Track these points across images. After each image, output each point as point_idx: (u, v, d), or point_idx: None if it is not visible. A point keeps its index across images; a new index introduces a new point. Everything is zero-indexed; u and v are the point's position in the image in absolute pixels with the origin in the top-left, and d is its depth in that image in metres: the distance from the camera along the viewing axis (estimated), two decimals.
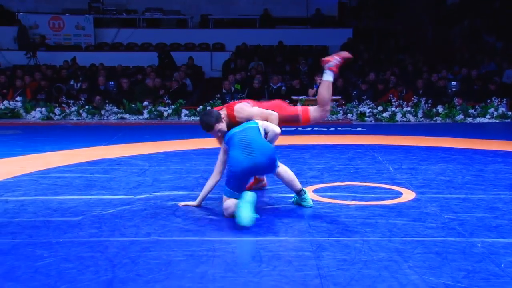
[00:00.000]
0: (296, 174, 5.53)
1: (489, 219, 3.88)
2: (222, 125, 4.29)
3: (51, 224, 3.84)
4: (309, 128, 10.19)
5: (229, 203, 3.98)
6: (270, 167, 4.13)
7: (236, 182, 4.01)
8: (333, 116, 11.75)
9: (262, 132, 4.20)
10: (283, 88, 13.50)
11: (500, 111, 11.51)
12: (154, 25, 19.53)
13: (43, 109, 12.23)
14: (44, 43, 17.61)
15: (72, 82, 14.03)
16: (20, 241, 3.47)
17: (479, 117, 11.47)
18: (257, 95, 13.03)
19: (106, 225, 3.81)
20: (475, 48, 15.77)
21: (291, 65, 15.69)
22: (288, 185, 4.31)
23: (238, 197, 3.90)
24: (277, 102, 4.82)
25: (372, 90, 12.75)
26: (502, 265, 2.97)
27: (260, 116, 4.37)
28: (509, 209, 4.16)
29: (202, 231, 3.68)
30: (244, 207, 3.71)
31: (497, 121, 11.37)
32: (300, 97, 12.21)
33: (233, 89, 13.20)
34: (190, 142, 6.96)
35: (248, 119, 4.31)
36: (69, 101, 12.47)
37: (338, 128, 10.28)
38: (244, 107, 4.45)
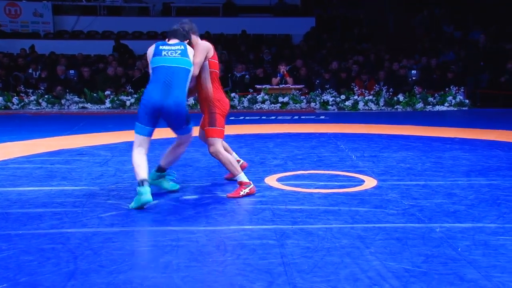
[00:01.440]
0: (260, 163, 5.58)
1: (447, 205, 3.99)
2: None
3: (10, 216, 3.76)
4: (273, 117, 10.24)
5: (134, 146, 4.15)
6: (175, 120, 4.17)
7: (145, 117, 4.11)
8: (297, 105, 11.83)
9: (189, 79, 4.21)
10: (247, 76, 13.50)
11: (458, 99, 11.80)
12: (115, 13, 19.19)
13: (0, 98, 11.90)
14: (0, 30, 17.08)
15: (30, 71, 13.68)
16: None
17: (438, 105, 11.73)
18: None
19: (68, 216, 3.75)
20: (434, 37, 16.07)
21: (255, 54, 15.69)
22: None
23: (145, 132, 4.12)
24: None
25: (335, 78, 12.87)
26: (459, 249, 3.07)
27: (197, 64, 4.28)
28: (466, 195, 4.28)
29: (167, 221, 3.67)
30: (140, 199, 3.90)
31: (455, 109, 11.66)
32: (264, 86, 12.23)
33: None
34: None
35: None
36: (28, 90, 12.16)
37: (302, 117, 10.36)
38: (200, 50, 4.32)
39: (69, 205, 4.03)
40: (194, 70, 4.26)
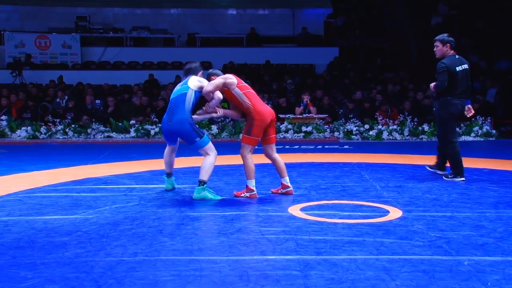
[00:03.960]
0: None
1: (475, 237, 3.90)
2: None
3: (36, 244, 3.79)
4: (296, 146, 10.23)
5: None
6: (183, 137, 5.35)
7: (165, 138, 5.63)
8: (320, 135, 11.81)
9: (190, 97, 5.31)
10: (269, 106, 13.56)
11: (484, 130, 11.64)
12: (141, 43, 19.60)
13: (29, 128, 12.15)
14: (30, 61, 17.54)
15: (58, 100, 13.96)
16: (3, 262, 3.42)
17: (464, 135, 11.59)
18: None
19: (92, 245, 3.77)
20: None
21: (278, 84, 15.79)
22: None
23: (170, 144, 5.64)
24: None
25: (358, 108, 12.85)
26: (489, 283, 2.99)
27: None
28: (494, 227, 4.19)
29: (189, 250, 3.66)
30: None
31: (482, 139, 11.50)
32: (287, 115, 12.27)
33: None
34: (176, 161, 6.95)
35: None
36: (55, 120, 12.40)
37: (325, 146, 10.33)
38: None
39: (94, 234, 4.05)
40: (211, 90, 5.26)
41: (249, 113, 5.31)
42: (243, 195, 5.32)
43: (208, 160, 5.29)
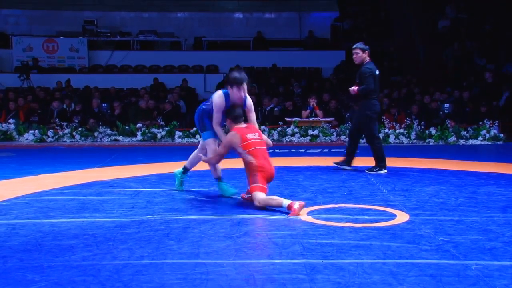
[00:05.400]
0: (290, 196, 5.55)
1: (483, 241, 3.88)
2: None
3: (43, 247, 3.80)
4: (302, 150, 10.22)
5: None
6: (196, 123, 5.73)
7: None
8: (327, 138, 11.80)
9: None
10: (276, 109, 13.57)
11: (492, 133, 11.59)
12: (148, 47, 19.67)
13: (36, 131, 12.21)
14: (37, 65, 17.65)
15: (64, 106, 14.02)
16: (11, 265, 3.43)
17: (472, 139, 11.55)
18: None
19: (99, 248, 3.78)
20: (466, 70, 15.94)
21: (285, 87, 15.79)
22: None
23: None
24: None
25: None
26: None
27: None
28: (502, 231, 4.16)
29: (196, 253, 3.66)
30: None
31: (489, 143, 11.45)
32: (294, 119, 12.27)
33: None
34: (183, 164, 6.98)
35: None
36: (62, 123, 12.45)
37: (332, 150, 10.31)
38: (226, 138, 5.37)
39: (101, 237, 4.06)
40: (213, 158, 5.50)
41: (251, 170, 5.15)
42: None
43: (201, 155, 5.65)
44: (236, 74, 5.36)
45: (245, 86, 5.37)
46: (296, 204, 4.70)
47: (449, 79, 15.73)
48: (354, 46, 7.26)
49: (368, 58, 7.21)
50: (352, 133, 7.50)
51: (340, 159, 7.58)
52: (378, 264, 3.39)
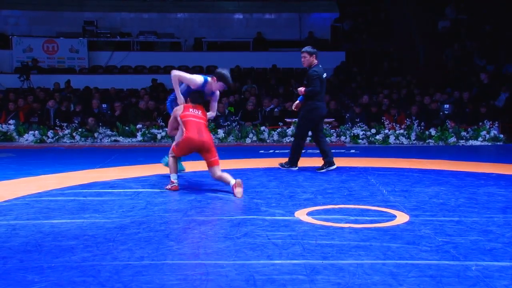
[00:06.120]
0: (290, 197, 5.55)
1: (483, 242, 3.88)
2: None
3: (43, 248, 3.80)
4: (303, 151, 10.21)
5: None
6: None
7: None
8: (327, 139, 11.79)
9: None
10: (276, 110, 13.57)
11: (492, 134, 11.59)
12: (148, 48, 19.67)
13: (36, 132, 12.21)
14: (37, 66, 17.65)
15: (63, 108, 14.00)
16: (11, 266, 3.43)
17: (472, 139, 11.55)
18: (250, 117, 13.09)
19: (99, 249, 3.78)
20: (466, 71, 15.95)
21: (285, 88, 15.79)
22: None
23: None
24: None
25: (365, 112, 12.83)
26: None
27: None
28: (502, 232, 4.16)
29: (196, 254, 3.66)
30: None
31: (489, 143, 11.45)
32: (294, 120, 12.26)
33: (226, 111, 13.25)
34: (184, 165, 6.99)
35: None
36: (62, 124, 12.45)
37: (332, 151, 10.28)
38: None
39: (101, 238, 4.06)
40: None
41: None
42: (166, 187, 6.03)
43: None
44: (228, 75, 6.15)
45: (225, 87, 6.32)
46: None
47: (449, 80, 15.73)
48: (302, 50, 7.55)
49: (316, 61, 7.49)
50: (314, 138, 7.77)
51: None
52: (378, 264, 3.39)
